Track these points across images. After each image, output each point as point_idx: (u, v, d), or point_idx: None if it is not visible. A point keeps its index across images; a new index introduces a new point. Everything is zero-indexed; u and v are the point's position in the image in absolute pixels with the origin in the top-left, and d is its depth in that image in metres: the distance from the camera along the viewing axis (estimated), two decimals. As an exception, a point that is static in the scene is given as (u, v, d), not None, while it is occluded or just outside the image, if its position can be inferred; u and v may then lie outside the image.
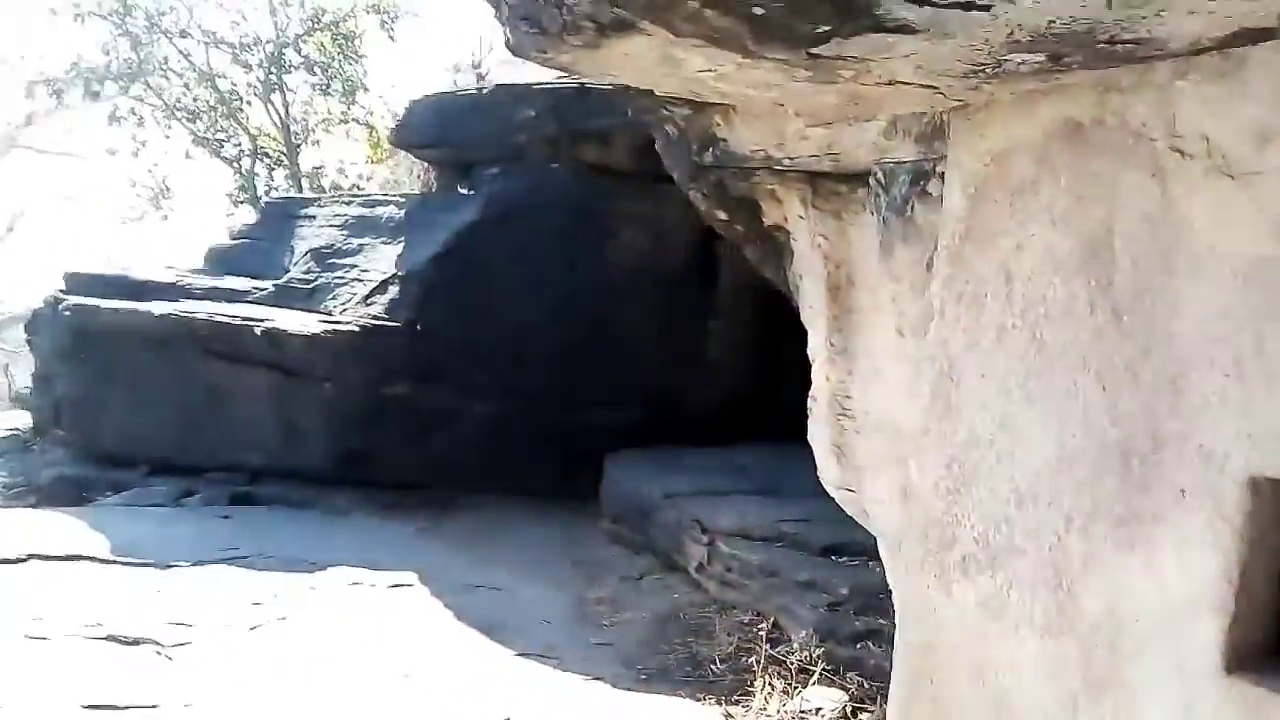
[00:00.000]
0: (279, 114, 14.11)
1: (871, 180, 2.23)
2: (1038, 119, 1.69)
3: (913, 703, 1.90)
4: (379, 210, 7.86)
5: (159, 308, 6.57)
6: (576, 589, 5.34)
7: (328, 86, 14.03)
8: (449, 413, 6.69)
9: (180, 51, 13.84)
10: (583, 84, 6.80)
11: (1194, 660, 1.46)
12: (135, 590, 4.75)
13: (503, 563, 5.60)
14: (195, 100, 14.10)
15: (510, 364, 6.76)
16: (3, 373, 18.47)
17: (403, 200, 7.77)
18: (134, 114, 13.83)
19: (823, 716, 3.60)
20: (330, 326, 6.43)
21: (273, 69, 13.77)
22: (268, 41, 13.80)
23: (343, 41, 13.70)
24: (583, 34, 1.66)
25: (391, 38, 14.07)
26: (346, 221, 8.00)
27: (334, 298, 7.27)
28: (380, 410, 6.50)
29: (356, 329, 6.48)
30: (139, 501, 6.30)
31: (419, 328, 6.59)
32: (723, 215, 3.20)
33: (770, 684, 3.81)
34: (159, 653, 4.17)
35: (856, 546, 4.60)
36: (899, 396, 2.16)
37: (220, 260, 9.77)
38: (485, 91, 7.16)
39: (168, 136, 14.26)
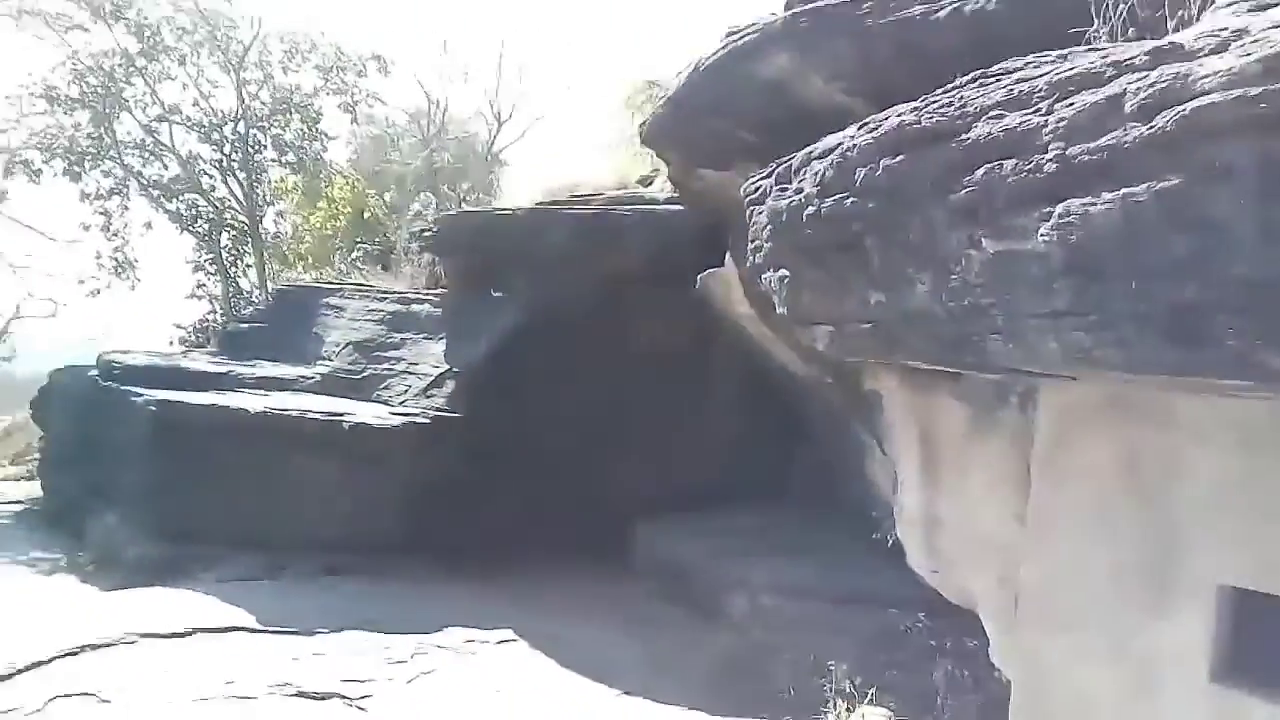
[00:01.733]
0: (242, 187, 14.76)
1: (978, 389, 3.64)
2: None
3: (1025, 706, 3.30)
4: (415, 308, 8.91)
5: (252, 403, 7.43)
6: (640, 637, 6.55)
7: (298, 164, 14.79)
8: (496, 489, 7.80)
9: (145, 129, 14.35)
10: (606, 209, 8.16)
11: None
12: (295, 655, 5.68)
13: (570, 618, 6.75)
14: (160, 176, 14.63)
15: (545, 445, 7.94)
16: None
17: (437, 299, 8.84)
18: (100, 191, 14.23)
19: (878, 727, 4.96)
20: (405, 419, 7.45)
21: (239, 147, 14.45)
22: (237, 120, 14.48)
23: (310, 123, 14.53)
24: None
25: (354, 120, 15.00)
26: (384, 317, 9.01)
27: (386, 388, 8.27)
28: (442, 489, 7.54)
29: (426, 420, 7.53)
30: (234, 576, 7.15)
31: (474, 416, 7.70)
32: (826, 377, 4.56)
33: (834, 704, 5.14)
34: (349, 704, 5.16)
35: (869, 595, 6.02)
36: (993, 523, 3.57)
37: (233, 342, 10.56)
38: (520, 212, 8.35)
39: (126, 208, 14.68)
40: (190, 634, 5.83)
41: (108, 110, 13.98)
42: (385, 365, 8.49)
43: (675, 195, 7.90)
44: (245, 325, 10.51)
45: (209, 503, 7.46)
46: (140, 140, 14.61)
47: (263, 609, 6.30)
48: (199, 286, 15.31)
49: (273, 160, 14.98)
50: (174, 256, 15.59)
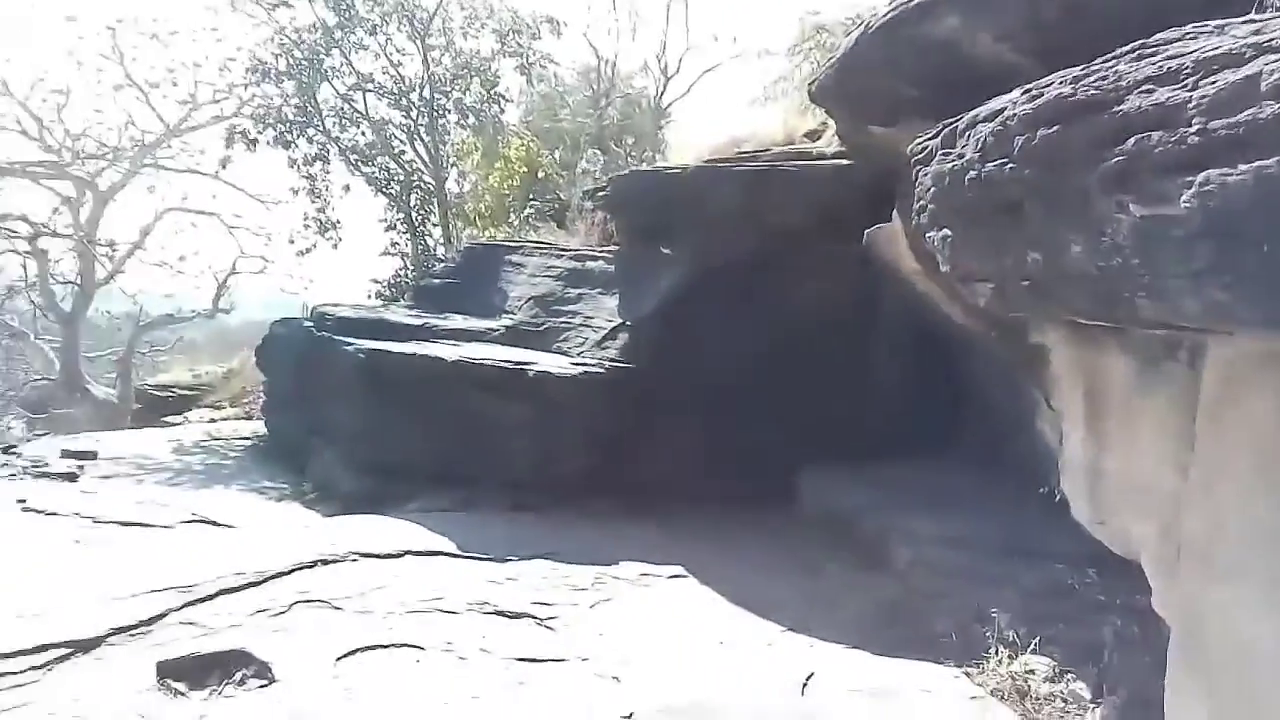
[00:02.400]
0: (428, 150, 15.85)
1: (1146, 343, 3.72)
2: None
3: (1183, 652, 3.44)
4: (590, 264, 9.47)
5: (448, 353, 8.21)
6: (803, 580, 6.90)
7: (478, 127, 15.73)
8: (667, 436, 8.28)
9: (342, 97, 15.65)
10: (772, 165, 8.37)
11: None
12: (490, 578, 6.39)
13: (737, 558, 7.18)
14: (356, 140, 15.94)
15: (712, 397, 8.34)
16: (132, 374, 20.55)
17: (610, 256, 9.36)
18: (307, 158, 15.69)
19: (1039, 675, 5.12)
20: (582, 369, 8.04)
21: (424, 112, 15.51)
22: (422, 86, 15.55)
23: (488, 86, 15.39)
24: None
25: (528, 81, 15.75)
26: (561, 273, 9.63)
27: (564, 340, 8.90)
28: (617, 435, 8.09)
29: (601, 370, 8.09)
30: (433, 507, 7.99)
31: (646, 367, 8.19)
32: (991, 332, 4.70)
33: (996, 651, 5.33)
34: (539, 623, 5.80)
35: (1034, 548, 6.11)
36: (1157, 474, 3.68)
37: (426, 296, 11.50)
38: (688, 170, 8.69)
39: (328, 172, 16.12)
40: (401, 556, 6.64)
41: (311, 81, 15.29)
42: (563, 319, 9.11)
43: (843, 150, 8.03)
44: (436, 281, 11.44)
45: (411, 442, 8.31)
46: (339, 108, 15.91)
47: (460, 537, 7.06)
48: (392, 245, 16.64)
49: (456, 123, 15.97)
50: (368, 217, 16.87)
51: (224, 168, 16.77)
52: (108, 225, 20.33)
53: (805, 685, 5.09)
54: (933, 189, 3.37)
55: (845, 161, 7.93)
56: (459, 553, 6.81)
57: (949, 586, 6.29)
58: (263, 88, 15.40)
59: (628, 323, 8.41)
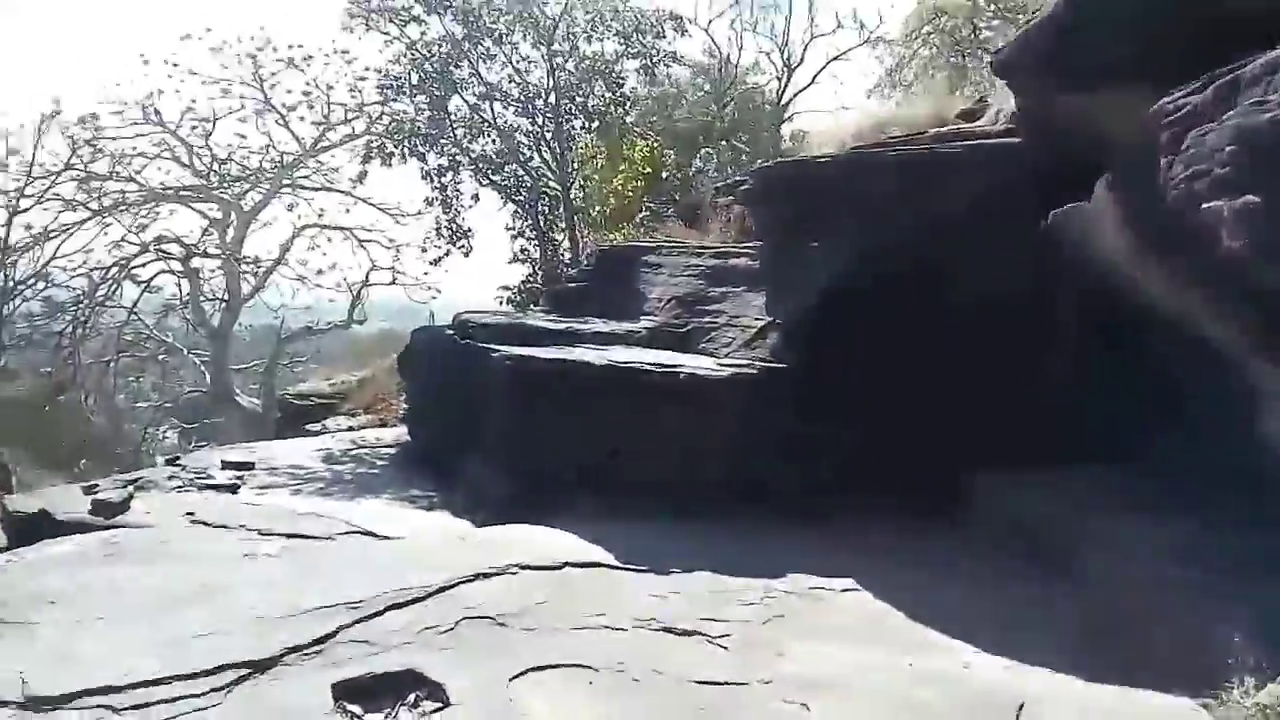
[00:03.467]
0: (555, 156, 15.78)
1: None
2: None
3: None
4: (732, 261, 9.07)
5: (595, 356, 7.96)
6: (986, 593, 6.30)
7: (604, 129, 15.56)
8: (823, 438, 7.79)
9: (471, 108, 15.75)
10: (932, 147, 7.77)
11: None
12: (654, 591, 6.04)
13: (912, 569, 6.63)
14: (485, 150, 16.01)
15: (870, 396, 7.80)
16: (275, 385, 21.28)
17: (753, 252, 8.93)
18: (440, 169, 15.87)
19: (1288, 707, 4.41)
20: (733, 370, 7.64)
21: (550, 118, 15.45)
22: (548, 93, 15.49)
23: (613, 88, 15.20)
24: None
25: (651, 82, 15.48)
26: (702, 272, 9.27)
27: (710, 340, 8.53)
28: (770, 437, 7.66)
29: (753, 370, 7.67)
30: (585, 514, 7.71)
31: (799, 367, 7.72)
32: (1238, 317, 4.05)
33: (1240, 681, 4.64)
34: (710, 641, 5.41)
35: (1262, 561, 5.35)
36: None
37: (561, 301, 11.33)
38: (836, 158, 8.18)
39: (458, 182, 16.27)
40: (560, 568, 6.39)
41: (442, 93, 15.44)
42: (707, 318, 8.74)
43: (1010, 128, 7.38)
44: (571, 285, 11.25)
45: (560, 448, 8.09)
46: (468, 118, 16.01)
47: (617, 547, 6.76)
48: (521, 252, 16.67)
49: (581, 128, 15.83)
50: (494, 225, 16.92)
51: (360, 182, 17.20)
52: (251, 244, 21.17)
53: (1019, 716, 4.54)
54: (1230, 148, 2.82)
55: (1013, 140, 7.27)
56: (618, 564, 6.52)
57: (1166, 603, 5.59)
58: (395, 104, 15.67)
59: (778, 321, 7.98)
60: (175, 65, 18.73)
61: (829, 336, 7.76)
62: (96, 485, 8.69)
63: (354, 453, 11.56)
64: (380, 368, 17.19)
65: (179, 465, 10.32)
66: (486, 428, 8.96)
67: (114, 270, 20.85)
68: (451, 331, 10.48)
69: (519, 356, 8.38)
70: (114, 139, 19.64)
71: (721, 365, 7.80)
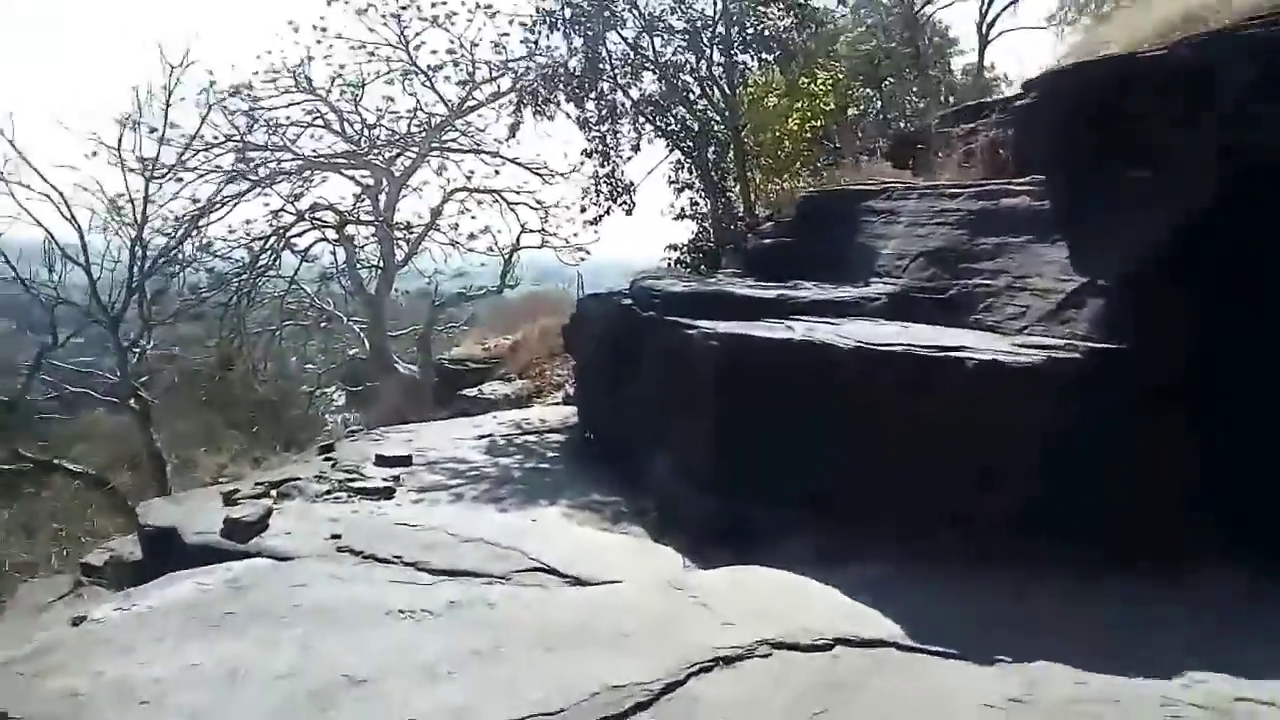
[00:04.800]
0: (724, 96, 13.50)
1: None
2: None
3: None
4: (1005, 203, 6.65)
5: (836, 335, 5.79)
6: None
7: (784, 58, 13.10)
8: (1169, 448, 5.36)
9: (629, 44, 13.64)
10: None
11: None
12: (986, 699, 3.90)
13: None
14: (647, 91, 13.89)
15: (1242, 388, 5.30)
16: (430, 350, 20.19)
17: (1038, 189, 6.47)
18: (599, 115, 13.86)
19: None
20: (1044, 354, 5.30)
21: (722, 50, 13.14)
22: (715, 23, 13.17)
23: (797, 7, 12.70)
24: None
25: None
26: (961, 218, 6.88)
27: (987, 310, 6.19)
28: (1103, 451, 5.29)
29: (1076, 354, 5.30)
30: (825, 549, 5.61)
31: (1140, 350, 5.29)
32: None
33: None
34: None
35: None
36: None
37: (756, 261, 9.17)
38: (1189, 43, 5.62)
39: (617, 131, 14.24)
40: (830, 647, 4.35)
41: (597, 30, 13.38)
42: (978, 279, 6.40)
43: None
44: (766, 241, 9.06)
45: (782, 456, 6.04)
46: (626, 57, 13.90)
47: (899, 610, 4.67)
48: (692, 205, 14.49)
49: (753, 61, 13.48)
50: (656, 176, 14.80)
51: (513, 135, 15.42)
52: (403, 209, 20.17)
53: None
54: None
55: None
56: (912, 643, 4.42)
57: None
58: (549, 41, 13.68)
59: (1098, 281, 5.54)
60: (323, 30, 17.47)
61: (1175, 302, 5.30)
62: (237, 491, 7.24)
63: (519, 440, 9.85)
64: (531, 331, 16.07)
65: (331, 459, 8.84)
66: (680, 423, 6.99)
67: (273, 240, 20.19)
68: (629, 301, 8.51)
69: (727, 335, 6.32)
70: (269, 109, 18.65)
71: (1022, 347, 5.46)
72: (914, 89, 16.10)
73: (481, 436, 10.03)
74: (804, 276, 8.05)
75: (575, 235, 18.17)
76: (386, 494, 7.53)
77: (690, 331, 6.72)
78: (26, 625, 6.36)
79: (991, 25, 15.68)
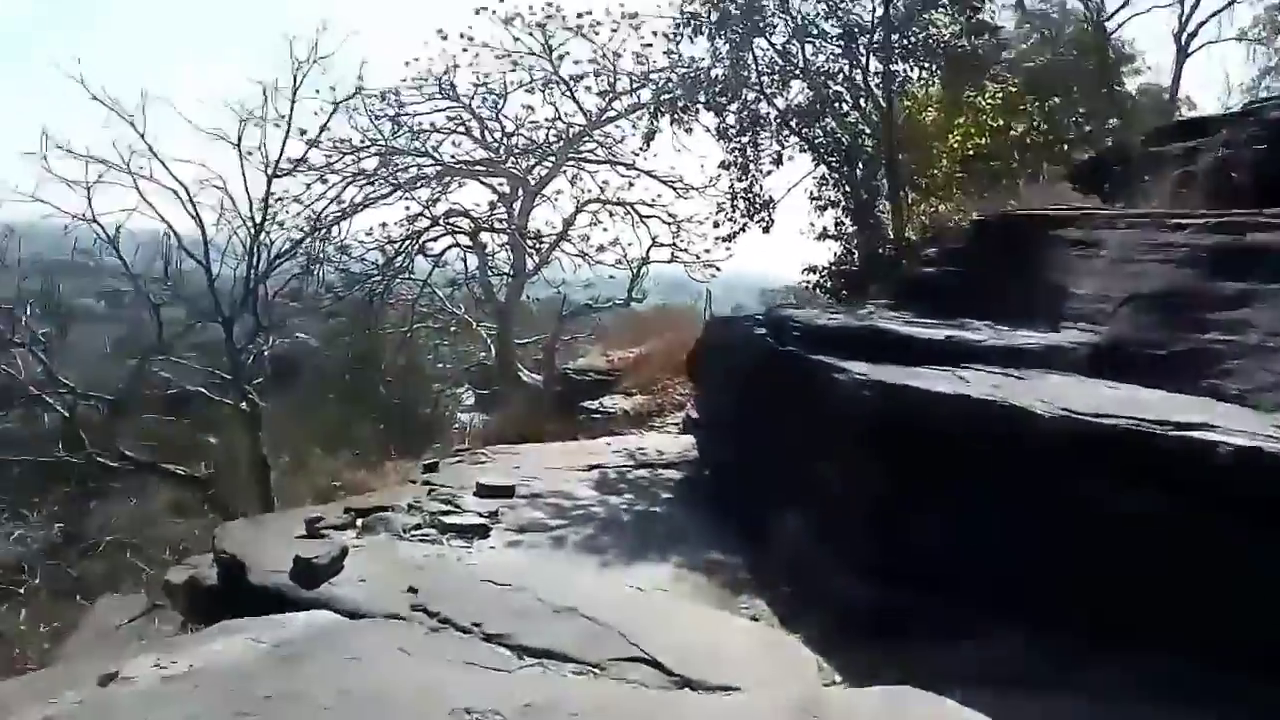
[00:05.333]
0: (879, 108, 12.18)
1: None
2: None
3: None
4: (1252, 238, 5.18)
5: (1029, 395, 4.51)
6: None
7: (954, 65, 11.66)
8: None
9: (777, 50, 12.55)
10: None
11: None
12: None
13: None
14: (794, 103, 12.72)
15: None
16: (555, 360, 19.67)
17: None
18: (741, 124, 12.80)
19: None
20: (1331, 446, 3.87)
21: (880, 57, 11.85)
22: (874, 29, 11.89)
23: (971, 11, 11.27)
24: None
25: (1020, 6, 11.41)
26: (1190, 256, 5.44)
27: (1228, 374, 4.76)
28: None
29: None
30: (1007, 664, 4.34)
31: None
32: None
33: None
34: None
35: None
36: None
37: (916, 293, 7.87)
38: None
39: (758, 143, 13.15)
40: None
41: (745, 33, 12.34)
42: (1214, 333, 4.98)
43: None
44: (928, 270, 7.76)
45: (952, 537, 4.79)
46: (774, 64, 12.79)
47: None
48: (837, 225, 13.21)
49: (917, 68, 12.12)
50: (798, 193, 13.58)
51: (650, 141, 14.58)
52: (536, 218, 19.86)
53: None
54: None
55: None
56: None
57: None
58: (694, 46, 12.76)
59: None
60: (470, 39, 17.27)
61: None
62: (320, 520, 6.54)
63: (632, 475, 8.85)
64: (656, 346, 15.32)
65: (431, 482, 8.11)
66: (820, 480, 5.81)
67: (407, 244, 20.18)
68: (764, 331, 7.37)
69: (886, 385, 5.14)
70: (413, 115, 18.56)
71: (1288, 430, 4.03)
72: (1080, 108, 14.23)
73: (593, 467, 9.10)
74: (973, 314, 6.73)
75: (707, 251, 17.53)
76: (481, 532, 6.68)
77: (839, 375, 5.55)
78: (92, 648, 5.85)
79: (1193, 37, 13.71)
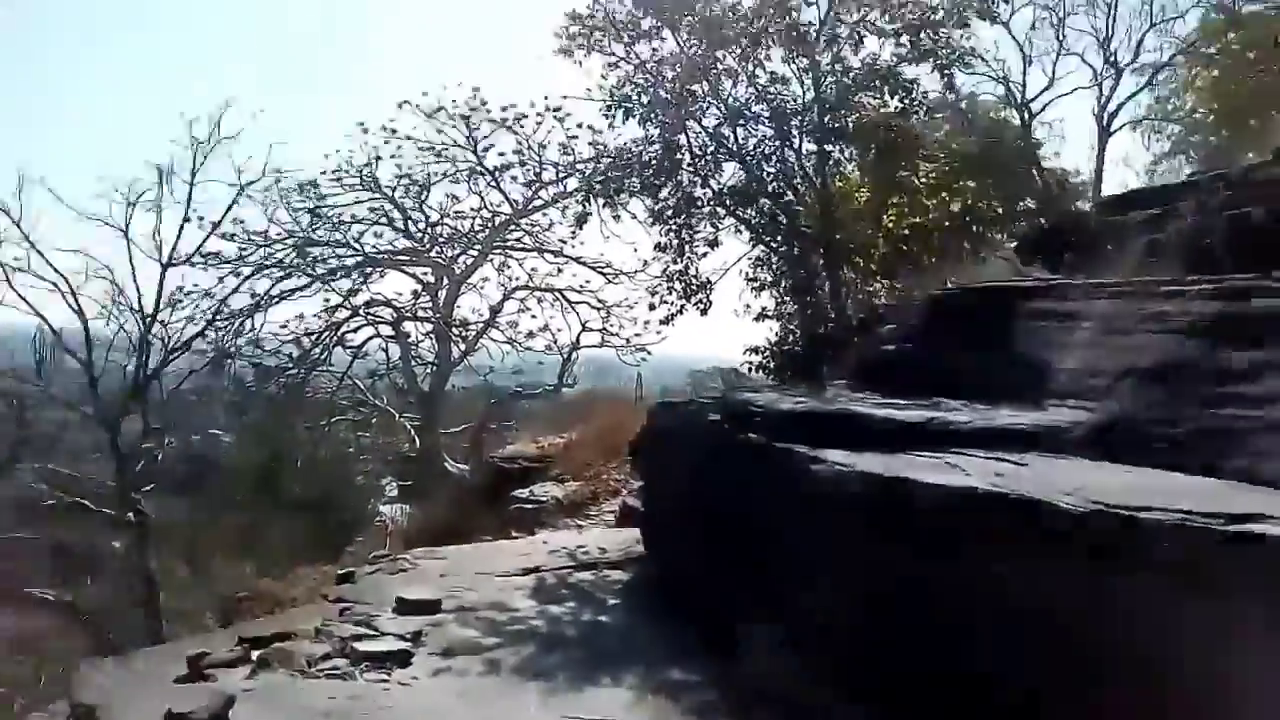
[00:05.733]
0: (815, 190, 11.92)
1: None
2: None
3: None
4: (1259, 304, 4.70)
5: (1059, 495, 3.81)
6: None
7: (888, 145, 11.47)
8: None
9: (709, 133, 12.25)
10: None
11: None
12: None
13: None
14: (726, 185, 12.37)
15: None
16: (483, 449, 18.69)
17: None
18: (678, 206, 12.35)
19: None
20: None
21: (813, 138, 11.63)
22: (806, 111, 11.71)
23: (902, 95, 11.15)
24: None
25: (947, 88, 11.34)
26: (1192, 324, 4.93)
27: (1255, 453, 4.17)
28: None
29: None
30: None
31: None
32: None
33: None
34: None
35: None
36: None
37: (877, 373, 7.28)
38: None
39: (693, 227, 12.71)
40: None
41: (676, 118, 12.02)
42: (1233, 409, 4.40)
43: None
44: (890, 349, 7.18)
45: (969, 655, 3.99)
46: (706, 146, 12.48)
47: None
48: (778, 304, 12.71)
49: (848, 152, 11.94)
50: (730, 275, 13.16)
51: (581, 227, 14.13)
52: (462, 306, 19.32)
53: None
54: None
55: None
56: None
57: None
58: (623, 129, 12.45)
59: None
60: (393, 132, 17.09)
61: None
62: (205, 655, 5.39)
63: (574, 579, 7.89)
64: (586, 431, 14.78)
65: (345, 598, 7.01)
66: (799, 589, 5.00)
67: (326, 335, 19.18)
68: (718, 416, 6.64)
69: (876, 478, 4.42)
70: (333, 207, 18.12)
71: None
72: (1004, 189, 14.26)
73: (529, 570, 8.10)
74: (942, 394, 6.13)
75: (638, 335, 17.35)
76: (401, 659, 5.62)
77: (816, 468, 4.82)
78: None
79: (1114, 117, 13.97)
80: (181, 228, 12.31)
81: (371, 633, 6.01)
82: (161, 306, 11.49)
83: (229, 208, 13.79)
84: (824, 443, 5.22)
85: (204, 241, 13.66)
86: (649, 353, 17.61)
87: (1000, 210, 12.59)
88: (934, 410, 5.57)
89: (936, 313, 7.12)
